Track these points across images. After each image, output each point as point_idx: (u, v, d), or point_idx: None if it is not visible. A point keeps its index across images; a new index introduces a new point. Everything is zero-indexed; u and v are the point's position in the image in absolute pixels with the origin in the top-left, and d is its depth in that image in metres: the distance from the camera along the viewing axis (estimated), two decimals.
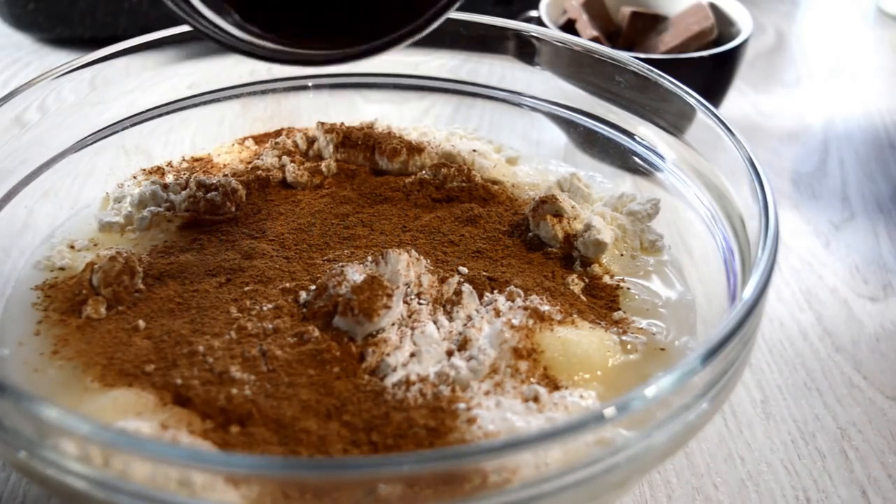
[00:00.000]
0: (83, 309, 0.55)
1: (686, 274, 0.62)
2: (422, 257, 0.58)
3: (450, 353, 0.52)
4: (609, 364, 0.53)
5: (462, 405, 0.47)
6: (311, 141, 0.73)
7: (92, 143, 0.68)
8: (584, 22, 0.98)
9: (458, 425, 0.46)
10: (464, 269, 0.58)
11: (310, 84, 0.77)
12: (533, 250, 0.62)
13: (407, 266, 0.56)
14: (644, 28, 1.00)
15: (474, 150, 0.71)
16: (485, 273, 0.58)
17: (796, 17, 1.37)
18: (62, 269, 0.60)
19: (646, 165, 0.69)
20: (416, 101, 0.80)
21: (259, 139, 0.75)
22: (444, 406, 0.47)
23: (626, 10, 1.00)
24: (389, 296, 0.52)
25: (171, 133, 0.73)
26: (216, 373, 0.49)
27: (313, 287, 0.55)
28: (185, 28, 0.70)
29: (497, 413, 0.47)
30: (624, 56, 0.70)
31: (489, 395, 0.48)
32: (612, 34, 1.01)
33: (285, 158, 0.70)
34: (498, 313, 0.54)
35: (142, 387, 0.48)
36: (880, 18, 1.36)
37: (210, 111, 0.74)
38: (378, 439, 0.45)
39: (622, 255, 0.63)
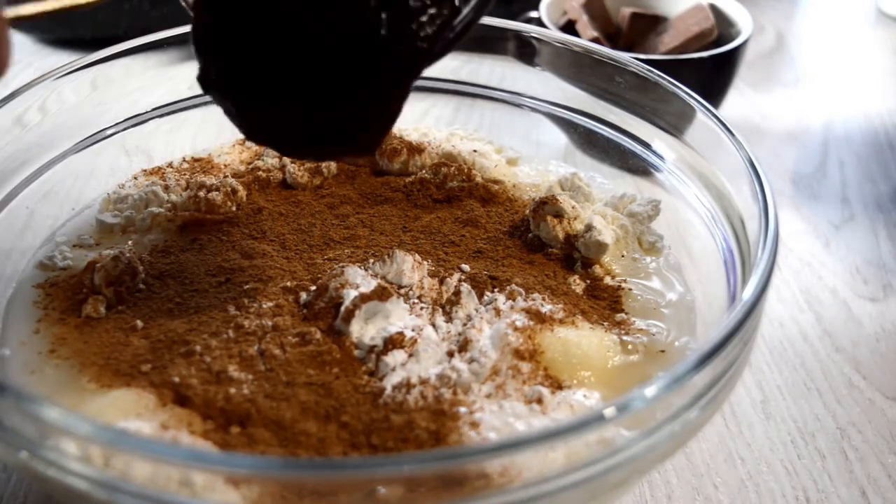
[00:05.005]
0: (83, 308, 0.55)
1: (686, 274, 0.62)
2: (425, 262, 0.58)
3: (450, 354, 0.52)
4: (609, 365, 0.53)
5: (464, 409, 0.47)
6: None
7: (93, 144, 0.69)
8: (584, 23, 0.98)
9: (459, 427, 0.46)
10: (465, 267, 0.58)
11: None
12: (534, 251, 0.62)
13: (412, 268, 0.56)
14: (644, 29, 1.00)
15: (475, 151, 0.71)
16: (486, 272, 0.58)
17: (796, 18, 1.37)
18: (63, 269, 0.60)
19: (646, 166, 0.69)
20: (416, 101, 0.79)
21: None
22: (446, 409, 0.47)
23: (627, 11, 1.00)
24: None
25: (171, 134, 0.73)
26: (214, 372, 0.49)
27: (314, 287, 0.55)
28: (185, 29, 0.70)
29: (500, 416, 0.47)
30: (624, 57, 0.70)
31: (491, 398, 0.48)
32: (613, 35, 1.01)
33: (285, 159, 0.70)
34: (498, 313, 0.54)
35: (140, 387, 0.48)
36: (880, 19, 1.36)
37: (211, 112, 0.74)
38: (378, 442, 0.45)
39: (623, 255, 0.63)
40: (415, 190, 0.68)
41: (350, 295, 0.53)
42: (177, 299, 0.56)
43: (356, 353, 0.51)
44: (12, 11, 0.46)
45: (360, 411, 0.47)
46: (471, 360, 0.51)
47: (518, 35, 0.75)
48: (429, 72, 0.77)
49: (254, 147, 0.74)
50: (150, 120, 0.72)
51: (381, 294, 0.52)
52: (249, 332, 0.52)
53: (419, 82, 0.77)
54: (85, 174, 0.68)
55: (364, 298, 0.52)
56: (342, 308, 0.52)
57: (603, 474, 0.40)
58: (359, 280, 0.54)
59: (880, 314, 0.78)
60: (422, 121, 0.80)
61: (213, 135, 0.75)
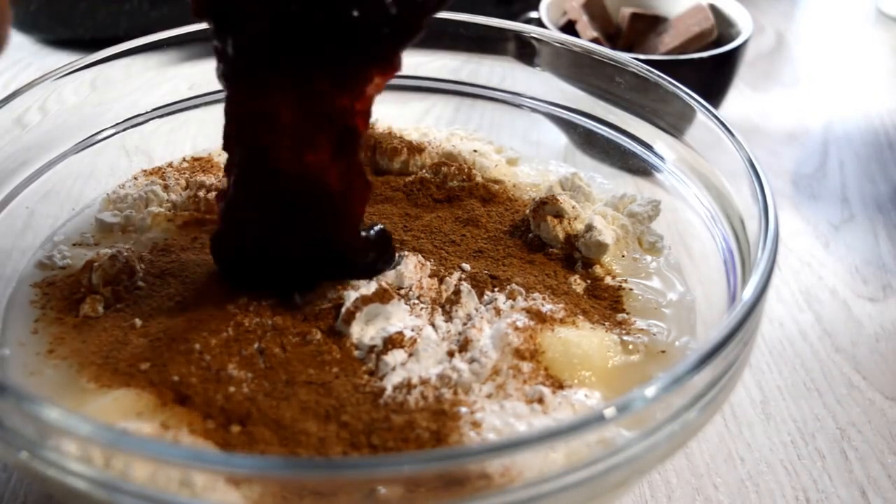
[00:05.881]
0: (81, 308, 0.55)
1: (686, 275, 0.62)
2: (427, 262, 0.58)
3: (451, 354, 0.52)
4: (610, 365, 0.53)
5: (464, 409, 0.47)
6: None
7: (93, 144, 0.69)
8: (584, 23, 0.98)
9: (460, 427, 0.46)
10: (466, 267, 0.58)
11: None
12: (534, 251, 0.62)
13: (415, 269, 0.56)
14: (644, 29, 1.00)
15: (475, 151, 0.72)
16: (486, 272, 0.58)
17: (796, 18, 1.38)
18: (62, 268, 0.60)
19: (646, 166, 0.69)
20: (416, 101, 0.80)
21: None
22: (446, 409, 0.47)
23: (627, 12, 1.00)
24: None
25: (171, 134, 0.73)
26: (213, 370, 0.49)
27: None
28: (185, 29, 0.71)
29: (501, 416, 0.47)
30: (624, 57, 0.70)
31: (492, 398, 0.48)
32: (612, 35, 1.02)
33: None
34: (498, 312, 0.54)
35: (140, 386, 0.48)
36: (880, 19, 1.37)
37: (211, 112, 0.74)
38: (378, 442, 0.45)
39: (623, 255, 0.63)
40: (415, 189, 0.68)
41: (351, 296, 0.53)
42: (177, 298, 0.56)
43: (356, 353, 0.51)
44: None
45: (361, 411, 0.47)
46: (471, 360, 0.51)
47: (518, 35, 0.75)
48: (429, 72, 0.78)
49: None
50: (150, 120, 0.72)
51: (382, 296, 0.52)
52: (249, 331, 0.52)
53: (419, 82, 0.78)
54: (85, 174, 0.68)
55: (365, 300, 0.52)
56: (343, 309, 0.52)
57: (603, 474, 0.40)
58: (360, 281, 0.54)
59: (880, 314, 0.78)
60: (422, 121, 0.80)
61: (213, 135, 0.75)
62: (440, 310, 0.55)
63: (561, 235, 0.62)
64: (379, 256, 0.56)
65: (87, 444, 0.39)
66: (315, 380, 0.49)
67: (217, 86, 0.76)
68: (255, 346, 0.51)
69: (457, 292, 0.56)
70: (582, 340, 0.52)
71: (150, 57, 0.70)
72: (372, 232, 0.56)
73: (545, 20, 0.98)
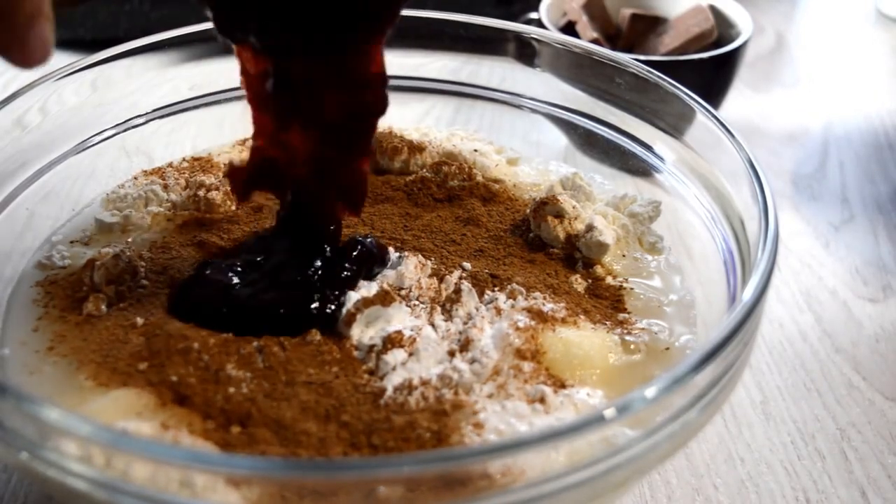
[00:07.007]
0: (84, 306, 0.55)
1: (686, 275, 0.62)
2: (427, 262, 0.58)
3: (451, 354, 0.52)
4: (611, 365, 0.53)
5: (465, 409, 0.47)
6: None
7: (93, 145, 0.69)
8: (584, 24, 0.98)
9: (461, 427, 0.46)
10: (467, 266, 0.58)
11: None
12: (535, 250, 0.62)
13: (415, 269, 0.56)
14: (644, 30, 1.00)
15: (475, 150, 0.72)
16: (486, 271, 0.58)
17: (796, 19, 1.38)
18: (63, 267, 0.60)
19: (646, 167, 0.69)
20: (416, 102, 0.80)
21: None
22: (447, 409, 0.47)
23: (627, 12, 1.01)
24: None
25: (171, 134, 0.73)
26: (212, 370, 0.49)
27: None
28: (186, 30, 0.71)
29: (502, 416, 0.47)
30: (624, 58, 0.70)
31: (493, 398, 0.48)
32: (612, 36, 1.02)
33: None
34: (499, 312, 0.54)
35: (139, 386, 0.48)
36: (880, 20, 1.37)
37: (211, 113, 0.74)
38: (378, 442, 0.45)
39: (624, 255, 0.63)
40: (415, 189, 0.68)
41: (352, 298, 0.53)
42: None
43: (356, 353, 0.51)
44: None
45: (361, 411, 0.47)
46: (472, 360, 0.50)
47: (518, 36, 0.75)
48: (429, 73, 0.78)
49: None
50: (150, 121, 0.72)
51: (383, 299, 0.52)
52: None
53: (419, 83, 0.78)
54: (85, 175, 0.68)
55: (366, 303, 0.52)
56: (343, 311, 0.52)
57: (604, 474, 0.40)
58: (361, 282, 0.54)
59: (880, 315, 0.78)
60: (422, 122, 0.80)
61: (213, 135, 0.75)
62: (440, 309, 0.55)
63: (561, 235, 0.62)
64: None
65: (87, 445, 0.39)
66: (315, 380, 0.49)
67: (217, 86, 0.77)
68: (254, 344, 0.51)
69: (457, 291, 0.56)
70: (583, 341, 0.52)
71: (151, 57, 0.70)
72: (359, 245, 0.56)
73: (545, 21, 0.98)
